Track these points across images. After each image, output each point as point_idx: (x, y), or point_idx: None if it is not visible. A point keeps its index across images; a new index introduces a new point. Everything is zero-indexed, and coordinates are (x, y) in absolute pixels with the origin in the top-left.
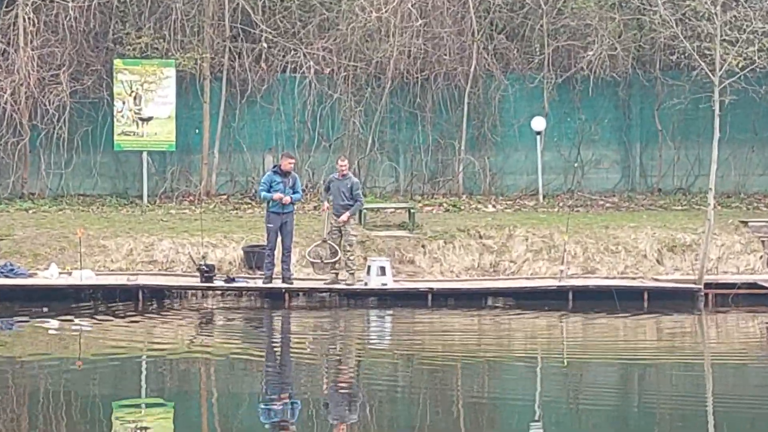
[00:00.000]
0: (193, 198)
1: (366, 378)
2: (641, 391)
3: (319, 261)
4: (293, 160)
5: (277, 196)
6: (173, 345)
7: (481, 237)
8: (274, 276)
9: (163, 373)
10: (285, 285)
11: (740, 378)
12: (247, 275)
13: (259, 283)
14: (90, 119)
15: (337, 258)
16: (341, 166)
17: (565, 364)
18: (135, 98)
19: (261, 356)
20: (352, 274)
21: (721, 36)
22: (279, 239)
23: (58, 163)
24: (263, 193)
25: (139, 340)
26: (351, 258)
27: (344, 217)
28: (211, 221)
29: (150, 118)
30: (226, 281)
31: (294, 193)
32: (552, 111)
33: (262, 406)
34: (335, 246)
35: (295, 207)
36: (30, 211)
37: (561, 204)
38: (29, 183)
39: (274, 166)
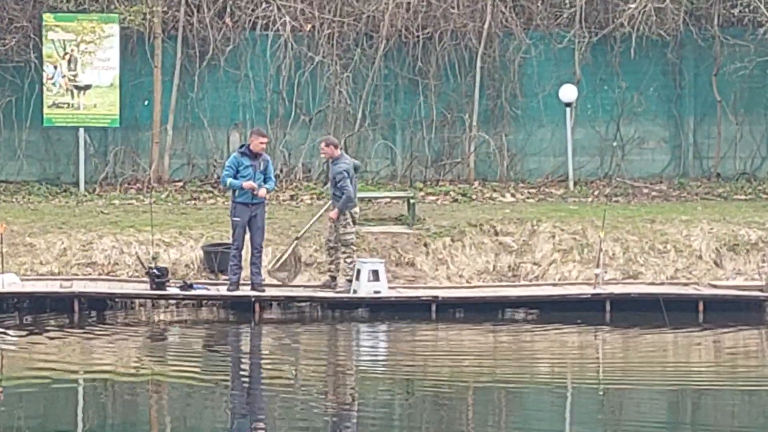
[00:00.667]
0: (141, 185)
1: (355, 410)
2: (695, 426)
3: (286, 273)
4: (266, 140)
5: (247, 184)
6: (116, 368)
7: (497, 233)
8: (241, 282)
9: (103, 403)
10: (255, 293)
11: None
12: (208, 281)
13: (223, 291)
14: (13, 88)
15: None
16: (322, 150)
17: (602, 392)
18: (69, 62)
19: (225, 383)
20: (350, 280)
21: None
22: (248, 236)
23: None
24: (229, 180)
25: (75, 361)
26: (346, 263)
27: (332, 213)
28: (164, 214)
29: (88, 87)
30: (182, 288)
31: (266, 180)
32: (585, 78)
33: None
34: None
35: (268, 197)
36: None
37: (596, 192)
38: None
39: (242, 146)
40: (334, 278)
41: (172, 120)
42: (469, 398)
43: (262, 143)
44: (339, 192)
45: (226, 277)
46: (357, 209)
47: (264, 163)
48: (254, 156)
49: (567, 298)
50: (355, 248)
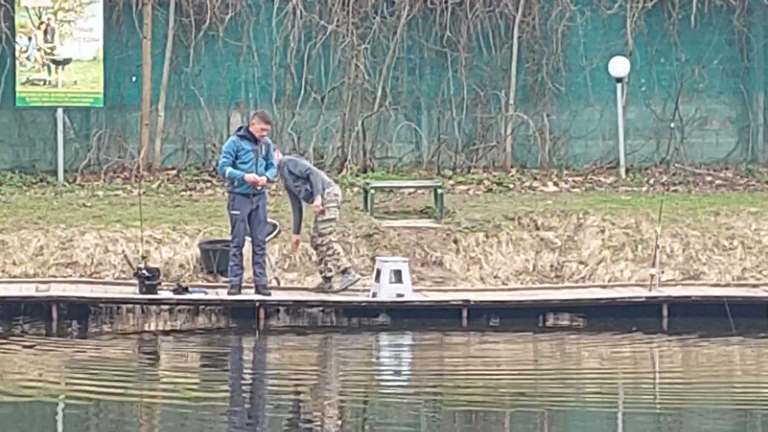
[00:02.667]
0: (128, 174)
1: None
2: None
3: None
4: (268, 127)
5: (250, 177)
6: (100, 385)
7: (537, 228)
8: (243, 284)
9: (87, 426)
10: (259, 297)
11: None
12: (205, 283)
13: (224, 295)
14: None
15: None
16: (265, 130)
17: (658, 413)
18: (45, 33)
19: (223, 403)
20: (344, 271)
21: None
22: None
23: None
24: (228, 169)
25: (53, 377)
26: (328, 258)
27: (317, 203)
28: (155, 207)
29: (67, 61)
30: (175, 292)
31: (267, 167)
32: (638, 49)
33: None
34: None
35: (269, 187)
36: None
37: (652, 181)
38: None
39: (240, 128)
40: (328, 279)
41: (164, 99)
42: (506, 421)
43: (263, 130)
44: (306, 185)
45: (227, 279)
46: (338, 189)
47: (266, 147)
48: (256, 140)
49: (618, 302)
50: (334, 238)
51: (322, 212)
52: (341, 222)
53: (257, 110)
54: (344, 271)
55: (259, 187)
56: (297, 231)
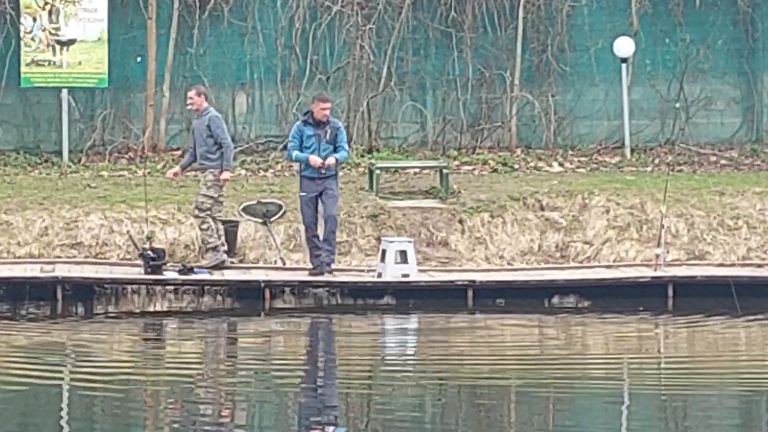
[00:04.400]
0: (133, 154)
1: (379, 413)
2: None
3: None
4: (328, 105)
5: (313, 160)
6: (106, 369)
7: (542, 208)
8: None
9: (92, 411)
10: (264, 279)
11: None
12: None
13: (229, 276)
14: None
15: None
16: (191, 99)
17: (663, 395)
18: (50, 13)
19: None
20: (213, 249)
21: None
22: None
23: None
24: (294, 153)
25: (57, 359)
26: (203, 228)
27: (226, 175)
28: (160, 188)
29: (72, 42)
30: (180, 272)
31: (336, 149)
32: (643, 29)
33: None
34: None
35: (338, 168)
36: None
37: (656, 161)
38: None
39: (305, 113)
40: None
41: (169, 80)
42: (511, 402)
43: (324, 109)
44: (216, 148)
45: (231, 259)
46: None
47: (332, 131)
48: (318, 124)
49: (623, 282)
50: (210, 214)
51: (209, 187)
52: (347, 202)
53: (317, 93)
54: (213, 249)
55: (322, 171)
56: (183, 167)
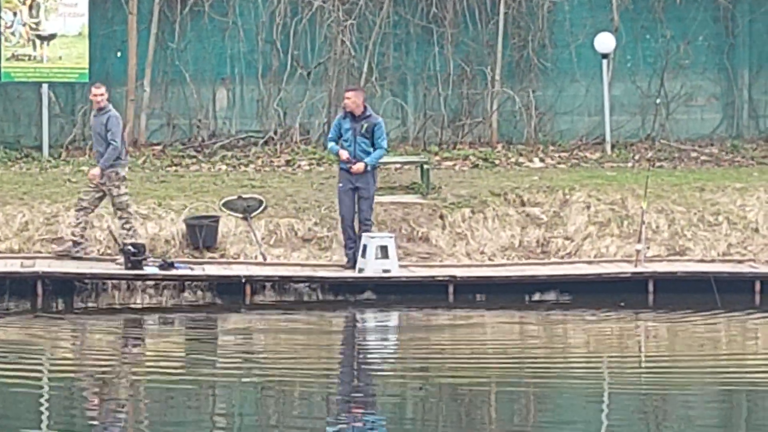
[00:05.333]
0: None
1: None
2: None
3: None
4: (348, 94)
5: (343, 155)
6: (86, 365)
7: (523, 204)
8: (356, 257)
9: (72, 407)
10: (245, 274)
11: None
12: (191, 259)
13: (209, 270)
14: None
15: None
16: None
17: (643, 391)
18: (31, 8)
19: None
20: (132, 251)
21: None
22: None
23: None
24: (330, 144)
25: (36, 356)
26: (126, 227)
27: (95, 171)
28: (141, 182)
29: (53, 36)
30: (161, 267)
31: (372, 146)
32: (624, 25)
33: None
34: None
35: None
36: None
37: (637, 157)
38: None
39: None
40: (77, 243)
41: (150, 74)
42: (491, 395)
43: (346, 98)
44: (107, 146)
45: (211, 255)
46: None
47: (369, 126)
48: (354, 117)
49: (604, 278)
50: (132, 212)
51: (117, 186)
52: (328, 198)
53: (348, 86)
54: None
55: (350, 166)
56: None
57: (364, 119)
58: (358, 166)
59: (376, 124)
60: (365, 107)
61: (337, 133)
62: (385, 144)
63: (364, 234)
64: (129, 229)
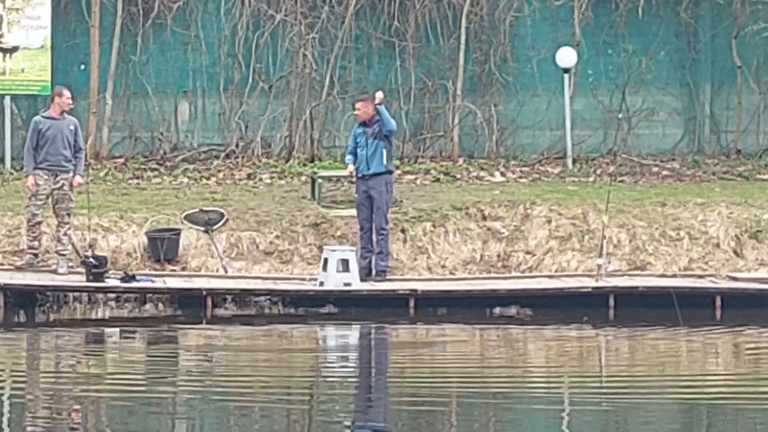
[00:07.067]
0: None
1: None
2: None
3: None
4: (358, 104)
5: (348, 169)
6: (48, 379)
7: (485, 218)
8: (372, 267)
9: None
10: (207, 285)
11: None
12: (152, 272)
13: (171, 283)
14: None
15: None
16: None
17: (604, 404)
18: None
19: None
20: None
21: None
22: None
23: None
24: (347, 157)
25: None
26: (69, 233)
27: (81, 179)
28: (102, 195)
29: (15, 49)
30: (122, 280)
31: (385, 150)
32: (586, 40)
33: None
34: None
35: (387, 160)
36: None
37: (599, 171)
38: None
39: None
40: (37, 255)
41: (112, 87)
42: (452, 410)
43: (357, 109)
44: (78, 152)
45: (172, 267)
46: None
47: (378, 125)
48: (366, 123)
49: (565, 293)
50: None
51: (69, 196)
52: (289, 211)
53: (362, 95)
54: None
55: (351, 180)
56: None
57: (375, 123)
58: (379, 96)
59: (382, 115)
60: (376, 111)
61: (354, 145)
62: (392, 122)
63: (325, 248)
64: (70, 237)
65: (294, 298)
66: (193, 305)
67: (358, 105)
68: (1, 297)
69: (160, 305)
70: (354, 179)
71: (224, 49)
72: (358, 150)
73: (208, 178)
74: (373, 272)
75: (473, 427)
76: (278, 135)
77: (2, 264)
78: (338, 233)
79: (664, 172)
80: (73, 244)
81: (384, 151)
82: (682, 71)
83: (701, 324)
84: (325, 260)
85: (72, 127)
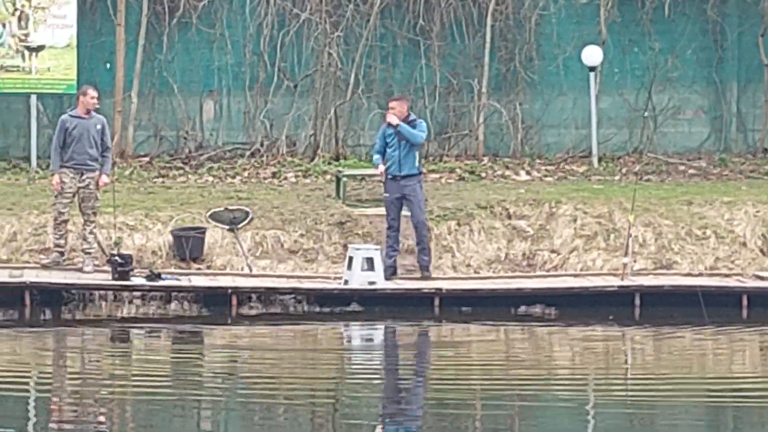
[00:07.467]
0: None
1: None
2: None
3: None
4: (392, 104)
5: (380, 168)
6: (74, 377)
7: (510, 217)
8: (397, 266)
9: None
10: (231, 285)
11: None
12: (177, 270)
13: (195, 282)
14: None
15: None
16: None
17: (629, 404)
18: (19, 19)
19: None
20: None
21: None
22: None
23: None
24: (375, 156)
25: (23, 368)
26: (95, 232)
27: (106, 179)
28: (128, 193)
29: (41, 48)
30: (148, 278)
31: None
32: (612, 38)
33: None
34: None
35: (419, 162)
36: None
37: (624, 170)
38: None
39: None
40: (63, 254)
41: (137, 86)
42: (477, 409)
43: (390, 108)
44: (105, 151)
45: (198, 266)
46: None
47: (411, 126)
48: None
49: (590, 291)
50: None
51: (95, 195)
52: (314, 209)
53: (395, 95)
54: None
55: (381, 177)
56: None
57: (409, 124)
58: (392, 119)
59: (417, 124)
60: (409, 113)
61: (382, 144)
62: (423, 133)
63: (350, 246)
64: (96, 235)
65: (319, 297)
66: (218, 304)
67: (393, 104)
68: (28, 295)
69: (186, 304)
70: (384, 179)
71: (249, 48)
72: (389, 150)
73: (233, 177)
74: (421, 271)
75: (498, 428)
76: (303, 133)
77: (28, 262)
78: (363, 232)
79: (691, 171)
80: (98, 243)
81: (416, 153)
82: (709, 69)
83: (728, 323)
84: (350, 259)
85: (99, 126)
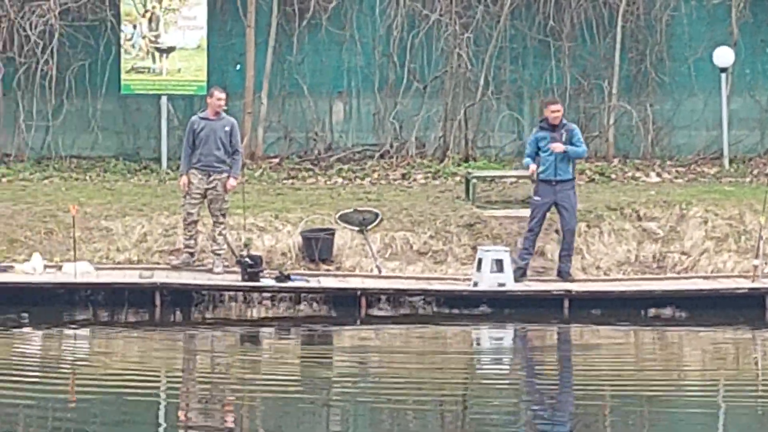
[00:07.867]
0: None
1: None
2: None
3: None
4: (558, 107)
5: (531, 168)
6: (203, 378)
7: (640, 218)
8: (527, 268)
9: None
10: (361, 287)
11: None
12: (307, 271)
13: (325, 282)
14: (87, 51)
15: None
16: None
17: (760, 410)
18: (150, 21)
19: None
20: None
21: None
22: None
23: (43, 113)
24: (526, 160)
25: (153, 366)
26: (224, 233)
27: (234, 182)
28: (258, 195)
29: (171, 49)
30: (277, 280)
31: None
32: (743, 38)
33: None
34: None
35: (573, 167)
36: (4, 180)
37: (756, 172)
38: (2, 140)
39: (541, 120)
40: (193, 255)
41: (267, 87)
42: (606, 408)
43: (554, 112)
44: (234, 154)
45: (327, 267)
46: None
47: (568, 133)
48: (552, 128)
49: (720, 294)
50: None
51: (224, 197)
52: (443, 211)
53: (547, 97)
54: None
55: (533, 179)
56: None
57: (562, 128)
58: (558, 146)
59: (572, 130)
60: (562, 117)
61: (534, 149)
62: (584, 145)
63: (479, 248)
64: (226, 236)
65: (448, 299)
66: (347, 305)
67: (553, 108)
68: (158, 296)
69: (315, 305)
70: (535, 179)
71: (379, 49)
72: (543, 155)
73: (362, 178)
74: (563, 276)
75: (626, 423)
76: (432, 135)
77: (159, 263)
78: (492, 233)
79: None
80: (228, 244)
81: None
82: None
83: None
84: (479, 260)
85: (228, 128)
